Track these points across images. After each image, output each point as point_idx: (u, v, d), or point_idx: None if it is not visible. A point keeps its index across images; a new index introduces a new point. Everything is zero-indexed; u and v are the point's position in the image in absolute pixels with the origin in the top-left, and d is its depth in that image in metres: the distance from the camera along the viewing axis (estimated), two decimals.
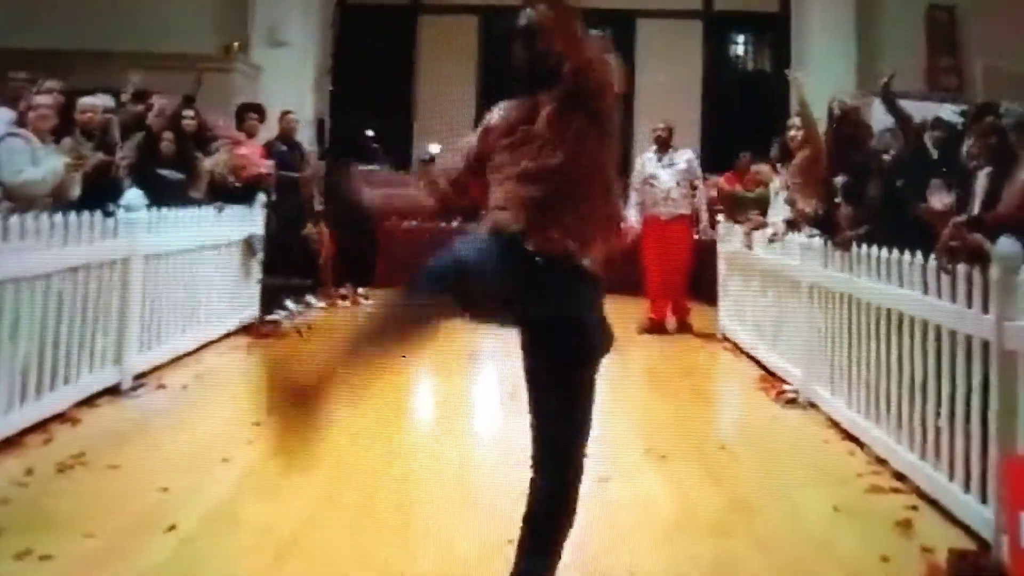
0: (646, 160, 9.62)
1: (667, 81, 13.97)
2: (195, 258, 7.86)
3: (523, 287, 2.95)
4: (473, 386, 7.32)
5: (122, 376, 6.46)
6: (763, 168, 9.10)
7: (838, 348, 6.20)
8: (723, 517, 4.48)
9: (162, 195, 7.59)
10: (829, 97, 7.38)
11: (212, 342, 8.05)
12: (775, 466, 5.31)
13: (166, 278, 7.26)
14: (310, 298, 9.93)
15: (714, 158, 12.49)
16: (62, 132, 6.72)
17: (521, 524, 3.19)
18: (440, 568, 3.84)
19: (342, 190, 3.61)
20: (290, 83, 12.82)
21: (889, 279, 5.35)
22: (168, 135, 8.45)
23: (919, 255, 4.96)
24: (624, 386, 7.27)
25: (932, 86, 12.37)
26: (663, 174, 9.43)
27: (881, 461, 5.24)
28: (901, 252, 5.19)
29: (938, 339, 4.69)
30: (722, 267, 9.36)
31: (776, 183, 8.24)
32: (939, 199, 5.29)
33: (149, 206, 7.13)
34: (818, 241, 6.64)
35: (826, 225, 6.54)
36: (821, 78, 11.29)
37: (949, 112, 7.32)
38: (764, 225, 8.07)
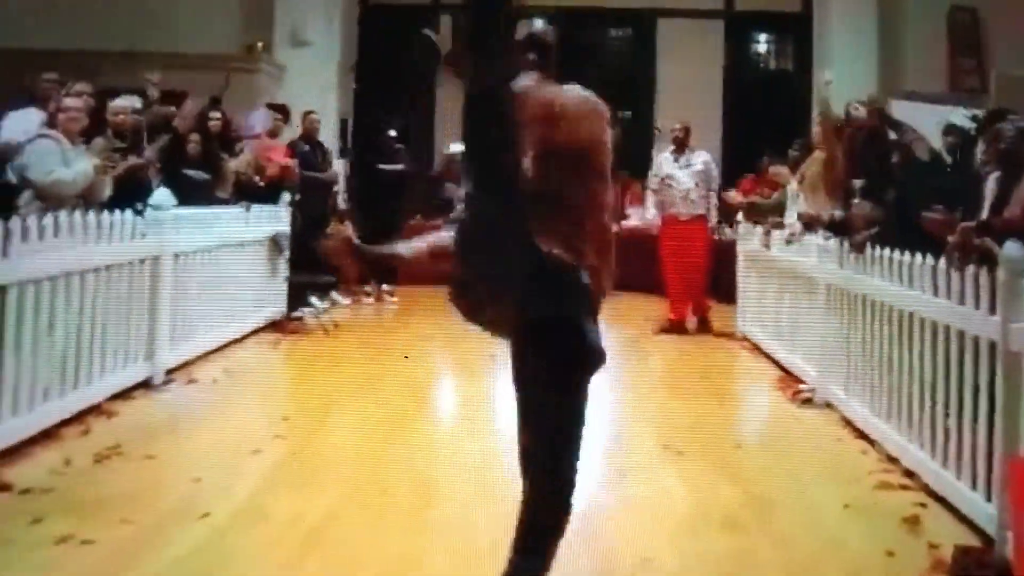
0: (663, 161, 9.70)
1: (688, 81, 14.04)
2: (223, 256, 8.03)
3: (528, 288, 2.89)
4: (495, 385, 7.44)
5: (154, 371, 6.63)
6: (781, 170, 9.18)
7: (852, 348, 6.29)
8: (735, 512, 4.58)
9: (189, 195, 7.78)
10: (847, 100, 7.48)
11: (240, 338, 8.22)
12: (788, 463, 5.43)
13: (195, 276, 7.43)
14: (335, 295, 10.08)
15: (735, 158, 12.61)
16: (91, 133, 6.87)
17: (516, 525, 3.14)
18: (459, 563, 3.92)
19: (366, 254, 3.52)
20: (313, 82, 12.93)
21: (901, 280, 5.45)
22: (195, 136, 8.62)
23: (929, 257, 5.06)
24: (643, 384, 7.43)
25: (954, 87, 12.39)
26: (680, 175, 9.48)
27: (892, 459, 5.32)
28: (912, 255, 5.30)
29: (947, 340, 4.78)
30: (741, 267, 9.44)
31: (794, 185, 8.33)
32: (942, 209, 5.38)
33: (177, 205, 7.30)
34: (834, 242, 6.72)
35: (840, 227, 6.63)
36: (843, 78, 11.34)
37: (962, 117, 7.37)
38: (781, 227, 8.16)
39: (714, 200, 9.72)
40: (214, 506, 4.40)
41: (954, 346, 4.70)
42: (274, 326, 8.94)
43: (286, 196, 9.57)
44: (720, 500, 4.74)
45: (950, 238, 4.76)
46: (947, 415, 4.73)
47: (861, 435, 5.88)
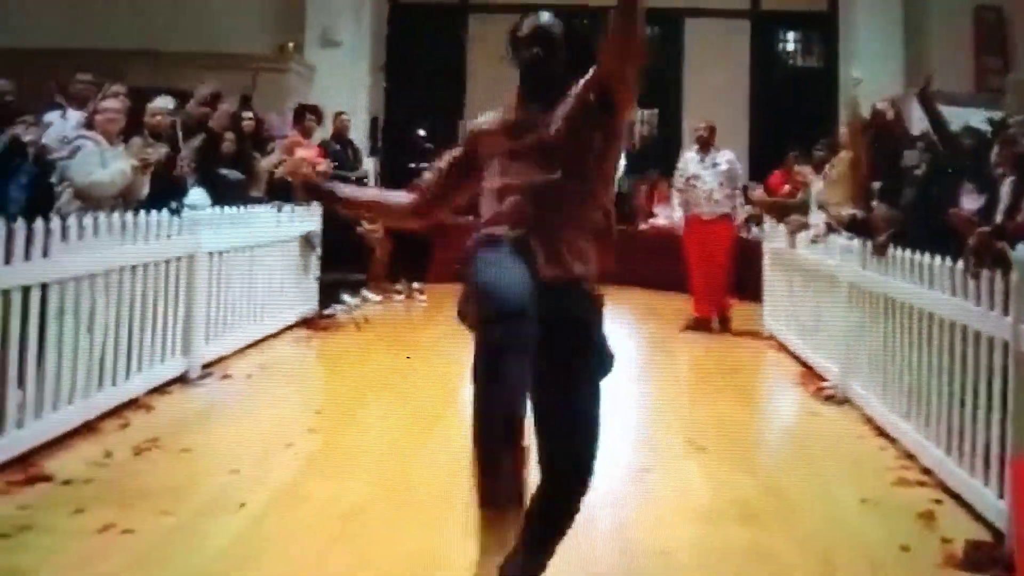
0: (688, 160, 9.71)
1: (715, 80, 14.08)
2: (257, 254, 8.15)
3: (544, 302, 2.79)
4: None
5: (190, 366, 6.77)
6: (805, 169, 9.24)
7: (872, 346, 6.38)
8: (754, 506, 4.69)
9: (223, 194, 7.90)
10: (873, 100, 7.53)
11: (274, 334, 8.36)
12: (808, 459, 5.53)
13: (230, 273, 7.55)
14: (366, 292, 10.21)
15: (762, 156, 12.65)
16: (127, 133, 6.96)
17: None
18: None
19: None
20: (343, 82, 13.04)
21: (920, 281, 5.54)
22: (229, 136, 8.76)
23: (948, 259, 5.14)
24: (668, 381, 7.53)
25: (980, 87, 12.36)
26: (705, 174, 9.49)
27: (910, 456, 5.41)
28: (932, 255, 5.38)
29: (964, 340, 4.86)
30: (767, 265, 9.50)
31: (819, 184, 8.39)
32: (970, 201, 5.46)
33: (211, 205, 7.46)
34: (857, 242, 6.80)
35: (863, 228, 6.70)
36: (868, 77, 11.35)
37: (979, 119, 7.38)
38: (806, 226, 8.23)
39: (740, 199, 9.76)
40: (250, 497, 4.54)
41: (970, 346, 4.78)
42: (306, 323, 9.07)
43: None
44: (739, 494, 4.83)
45: (969, 240, 4.85)
46: (962, 412, 4.81)
47: (881, 432, 5.96)
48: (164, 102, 7.60)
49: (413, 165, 11.39)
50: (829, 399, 6.85)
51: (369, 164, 12.30)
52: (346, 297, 9.69)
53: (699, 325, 9.45)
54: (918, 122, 7.76)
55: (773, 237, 9.35)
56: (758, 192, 10.24)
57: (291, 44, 13.39)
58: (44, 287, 5.11)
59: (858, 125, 7.62)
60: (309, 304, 9.28)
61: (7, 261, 4.75)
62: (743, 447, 5.68)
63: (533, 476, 3.01)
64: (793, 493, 4.90)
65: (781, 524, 4.47)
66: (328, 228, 9.55)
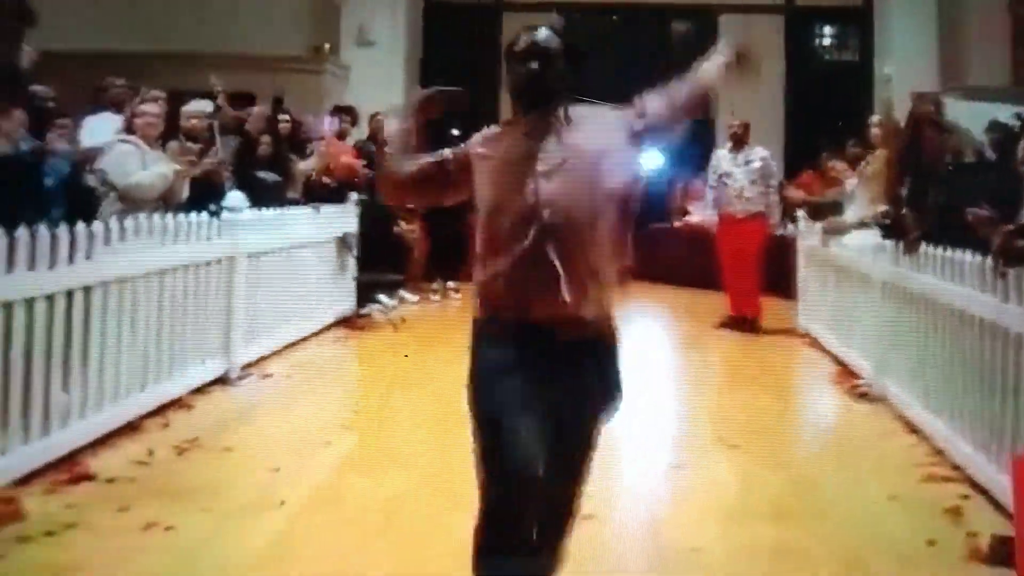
0: (720, 157, 9.69)
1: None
2: (294, 255, 8.26)
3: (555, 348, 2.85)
4: None
5: (230, 366, 6.88)
6: (839, 165, 9.22)
7: (904, 343, 6.39)
8: (784, 502, 4.73)
9: (260, 196, 8.00)
10: (907, 95, 7.51)
11: (312, 334, 8.47)
12: (839, 456, 5.58)
13: (268, 275, 7.66)
14: (402, 292, 10.29)
15: (797, 153, 12.62)
16: (165, 136, 7.09)
17: None
18: None
19: None
20: (379, 82, 13.06)
21: (951, 278, 5.54)
22: (265, 138, 8.87)
23: (979, 256, 5.15)
24: (702, 378, 7.56)
25: (1018, 81, 12.24)
26: (738, 172, 9.47)
27: (940, 452, 5.42)
28: (962, 252, 5.38)
29: (993, 336, 4.87)
30: (801, 263, 9.49)
31: (854, 180, 8.37)
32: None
33: (249, 207, 7.56)
34: (889, 240, 6.81)
35: (895, 226, 6.71)
36: (903, 72, 11.30)
37: (1007, 114, 7.35)
38: (841, 227, 8.22)
39: (774, 197, 9.70)
40: (289, 494, 4.63)
41: (999, 342, 4.80)
42: (344, 323, 9.19)
43: (354, 196, 9.79)
44: (769, 491, 4.88)
45: (993, 237, 4.85)
46: (992, 408, 4.82)
47: (912, 429, 5.97)
48: (200, 105, 7.73)
49: None
50: (862, 396, 6.84)
51: None
52: (382, 297, 9.79)
53: (733, 323, 9.44)
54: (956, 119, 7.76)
55: (807, 234, 9.34)
56: (792, 190, 10.22)
57: (326, 45, 13.48)
58: (87, 290, 5.20)
59: (891, 124, 7.61)
60: (346, 304, 9.40)
61: (51, 266, 4.84)
62: (775, 444, 5.72)
63: None
64: (823, 490, 4.95)
65: (810, 521, 4.50)
66: (366, 228, 9.65)
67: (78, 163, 6.52)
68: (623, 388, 3.04)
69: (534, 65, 2.98)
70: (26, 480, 4.57)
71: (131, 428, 5.52)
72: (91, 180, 6.56)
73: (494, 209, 2.95)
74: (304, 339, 8.29)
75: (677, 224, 12.72)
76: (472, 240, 3.07)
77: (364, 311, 9.47)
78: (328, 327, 8.89)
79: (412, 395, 6.52)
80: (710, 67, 3.17)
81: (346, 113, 10.77)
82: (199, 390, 6.43)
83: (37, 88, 6.45)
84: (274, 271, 7.81)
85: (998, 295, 4.83)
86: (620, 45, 14.91)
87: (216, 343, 6.80)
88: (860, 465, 5.33)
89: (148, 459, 5.12)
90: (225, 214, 7.00)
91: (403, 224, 10.48)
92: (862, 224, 7.57)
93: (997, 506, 4.53)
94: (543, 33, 3.04)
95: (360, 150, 10.65)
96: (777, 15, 14.74)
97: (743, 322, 9.41)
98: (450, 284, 10.97)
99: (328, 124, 10.31)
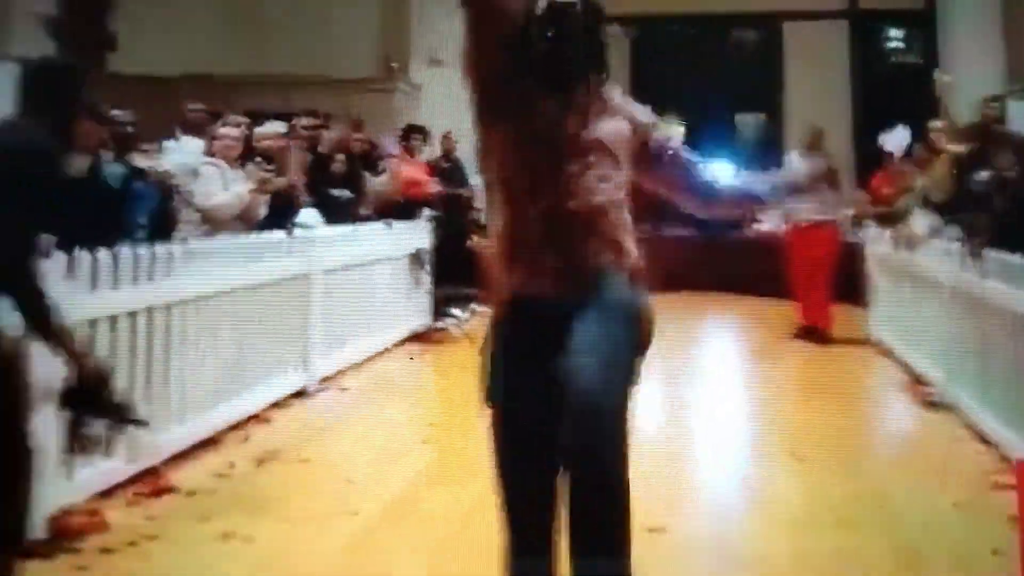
0: (791, 163, 9.41)
1: (816, 81, 13.93)
2: (369, 271, 8.34)
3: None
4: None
5: (308, 380, 6.97)
6: (907, 168, 9.08)
7: (973, 350, 6.28)
8: (851, 512, 4.68)
9: (334, 213, 8.12)
10: (972, 98, 7.40)
11: (388, 348, 8.56)
12: (906, 465, 5.52)
13: (343, 290, 7.74)
14: (475, 306, 10.34)
15: (867, 157, 12.45)
16: (244, 157, 7.18)
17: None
18: None
19: None
20: (449, 100, 13.16)
21: (1016, 283, 5.46)
22: (339, 156, 8.99)
23: None
24: (772, 387, 7.50)
25: None
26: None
27: (1008, 461, 5.27)
28: None
29: None
30: (872, 270, 9.39)
31: (921, 183, 8.25)
32: None
33: (323, 224, 7.67)
34: (956, 245, 6.70)
35: (963, 230, 6.62)
36: (967, 75, 11.09)
37: None
38: (914, 239, 8.08)
39: (844, 204, 9.58)
40: (365, 505, 4.67)
41: None
42: (419, 337, 9.27)
43: (426, 212, 9.88)
44: (836, 500, 4.84)
45: None
46: None
47: (982, 437, 5.87)
48: (274, 127, 7.85)
49: None
50: (932, 405, 6.74)
51: (476, 182, 12.44)
52: (457, 311, 9.84)
53: (805, 333, 9.31)
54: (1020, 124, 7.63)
55: (877, 241, 9.23)
56: (860, 197, 10.09)
57: (396, 65, 13.62)
58: (168, 308, 5.30)
59: (953, 129, 7.50)
60: (421, 318, 9.49)
61: (133, 283, 4.95)
62: (842, 453, 5.66)
63: None
64: (889, 499, 4.89)
65: (876, 530, 4.45)
66: (440, 243, 9.73)
67: (160, 185, 6.67)
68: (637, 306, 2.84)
69: (552, 33, 2.75)
70: (109, 493, 4.65)
71: (212, 441, 5.60)
72: (175, 201, 6.72)
73: (515, 188, 2.83)
74: (380, 353, 8.37)
75: (748, 233, 12.62)
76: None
77: (439, 325, 9.55)
78: (404, 341, 8.98)
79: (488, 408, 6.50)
80: (772, 185, 3.13)
81: (418, 132, 10.87)
82: (278, 404, 6.52)
83: (118, 112, 6.59)
84: (349, 286, 7.89)
85: None
86: (686, 55, 14.90)
87: (294, 358, 6.89)
88: (927, 474, 5.26)
89: (228, 471, 5.19)
90: (299, 231, 7.10)
91: (476, 238, 10.52)
92: (932, 231, 7.45)
93: None
94: None
95: (432, 168, 10.75)
96: (841, 19, 14.57)
97: (814, 332, 9.27)
98: None
99: (389, 144, 10.40)
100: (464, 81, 2.90)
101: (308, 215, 7.64)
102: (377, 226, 8.80)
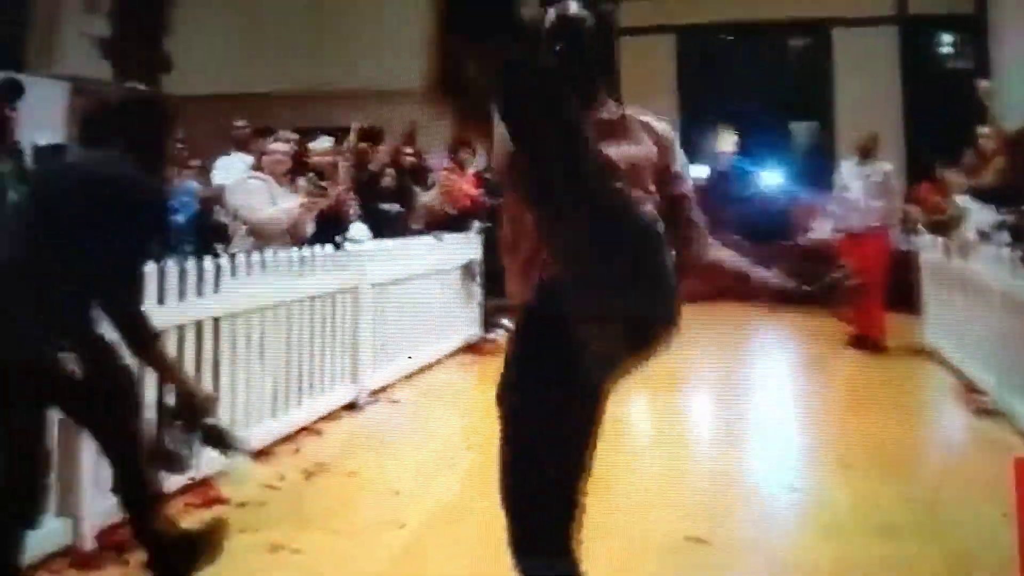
0: (845, 170, 9.55)
1: (867, 88, 13.76)
2: (419, 284, 8.40)
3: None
4: (682, 399, 7.50)
5: (358, 392, 7.03)
6: (956, 177, 8.96)
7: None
8: (899, 521, 4.64)
9: (384, 227, 8.19)
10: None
11: (439, 360, 8.61)
12: (956, 473, 5.46)
13: (394, 303, 7.80)
14: None
15: (918, 163, 12.32)
16: (294, 173, 7.26)
17: None
18: (631, 560, 4.10)
19: None
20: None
21: None
22: (389, 171, 9.07)
23: None
24: (823, 397, 7.45)
25: None
26: (855, 185, 9.28)
27: None
28: None
29: None
30: (925, 278, 9.30)
31: (965, 194, 8.15)
32: None
33: (372, 238, 7.73)
34: (1007, 251, 6.63)
35: (1014, 236, 6.53)
36: (1020, 80, 10.91)
37: None
38: (967, 247, 7.98)
39: (896, 212, 9.51)
40: (412, 516, 4.70)
41: None
42: (470, 348, 9.33)
43: (476, 224, 9.92)
44: (884, 509, 4.80)
45: None
46: None
47: None
48: (324, 142, 7.93)
49: None
50: (985, 412, 6.65)
51: None
52: (507, 322, 9.85)
53: (859, 343, 9.20)
54: None
55: (929, 249, 9.13)
56: (912, 207, 9.97)
57: None
58: (216, 321, 5.38)
59: (1001, 135, 7.41)
60: (472, 330, 9.54)
61: (181, 298, 5.02)
62: (891, 462, 5.61)
63: None
64: (938, 507, 4.83)
65: (925, 539, 4.41)
66: (491, 255, 9.76)
67: (207, 200, 6.76)
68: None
69: (561, 46, 2.58)
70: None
71: (263, 453, 5.64)
72: (222, 216, 6.79)
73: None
74: (431, 365, 8.42)
75: (800, 241, 12.49)
76: None
77: (490, 336, 9.58)
78: (454, 352, 9.03)
79: None
80: (767, 275, 2.94)
81: (467, 145, 10.91)
82: (328, 416, 6.58)
83: None
84: (400, 299, 7.94)
85: None
86: (735, 63, 14.82)
87: (344, 370, 6.95)
88: (976, 482, 5.15)
89: (278, 483, 5.24)
90: (348, 245, 7.17)
91: None
92: (983, 236, 7.35)
93: None
94: (574, 7, 2.63)
95: (481, 179, 10.78)
96: (891, 25, 14.41)
97: (867, 341, 9.16)
98: None
99: (439, 159, 10.45)
100: None
101: (357, 230, 7.70)
102: (427, 239, 8.84)
